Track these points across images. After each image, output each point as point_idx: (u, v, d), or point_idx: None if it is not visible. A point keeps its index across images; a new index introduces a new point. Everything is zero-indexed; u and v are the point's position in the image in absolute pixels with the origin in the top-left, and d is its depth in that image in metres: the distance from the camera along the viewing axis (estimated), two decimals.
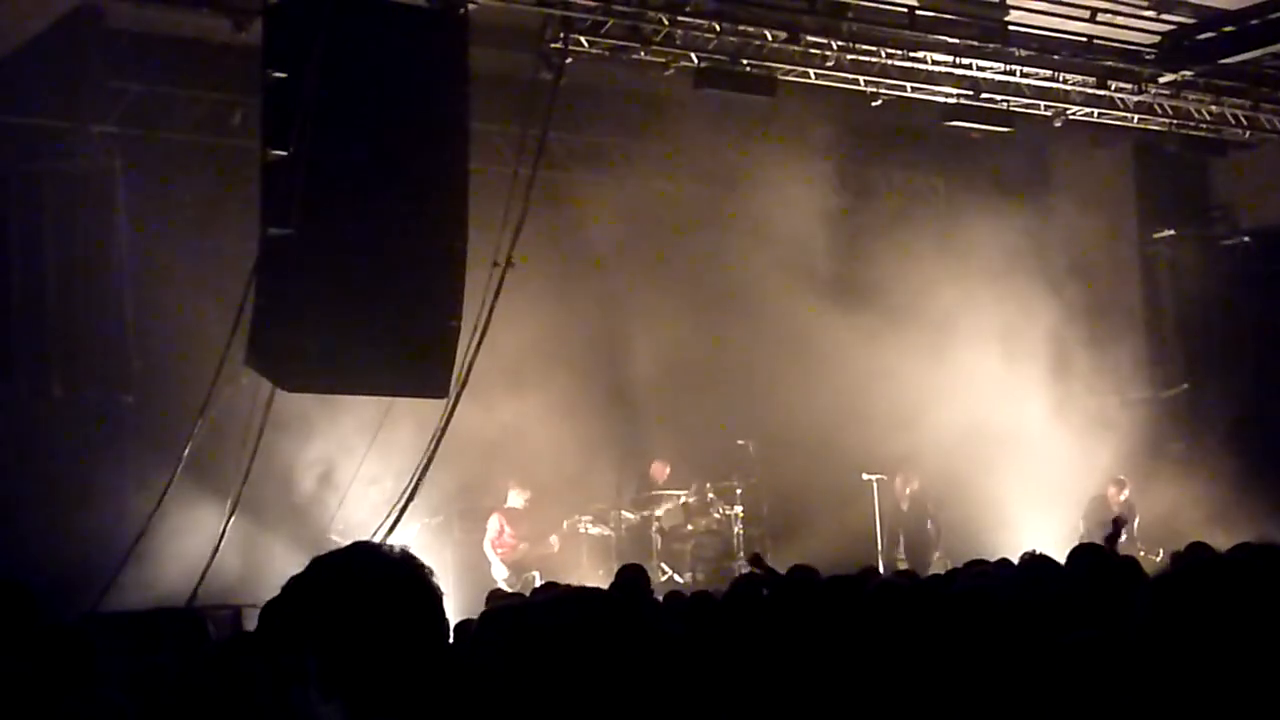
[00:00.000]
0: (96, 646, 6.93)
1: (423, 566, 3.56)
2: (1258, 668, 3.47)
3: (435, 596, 3.56)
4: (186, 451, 15.03)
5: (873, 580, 8.81)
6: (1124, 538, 11.43)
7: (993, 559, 12.67)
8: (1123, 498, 20.62)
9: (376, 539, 14.80)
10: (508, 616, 3.78)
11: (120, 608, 14.12)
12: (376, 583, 3.48)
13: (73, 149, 17.06)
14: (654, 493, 20.22)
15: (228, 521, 14.96)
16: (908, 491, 21.00)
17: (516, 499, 18.97)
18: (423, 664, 3.41)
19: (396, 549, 3.61)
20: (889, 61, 18.01)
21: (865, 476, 20.36)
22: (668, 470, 20.41)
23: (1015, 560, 11.87)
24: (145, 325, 17.18)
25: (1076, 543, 18.11)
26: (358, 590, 3.45)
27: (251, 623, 12.98)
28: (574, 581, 18.19)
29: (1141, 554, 18.32)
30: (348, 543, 3.76)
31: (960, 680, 5.29)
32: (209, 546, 14.89)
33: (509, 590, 16.67)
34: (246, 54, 14.78)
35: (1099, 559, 9.34)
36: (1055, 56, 18.77)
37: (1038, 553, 10.06)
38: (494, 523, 18.92)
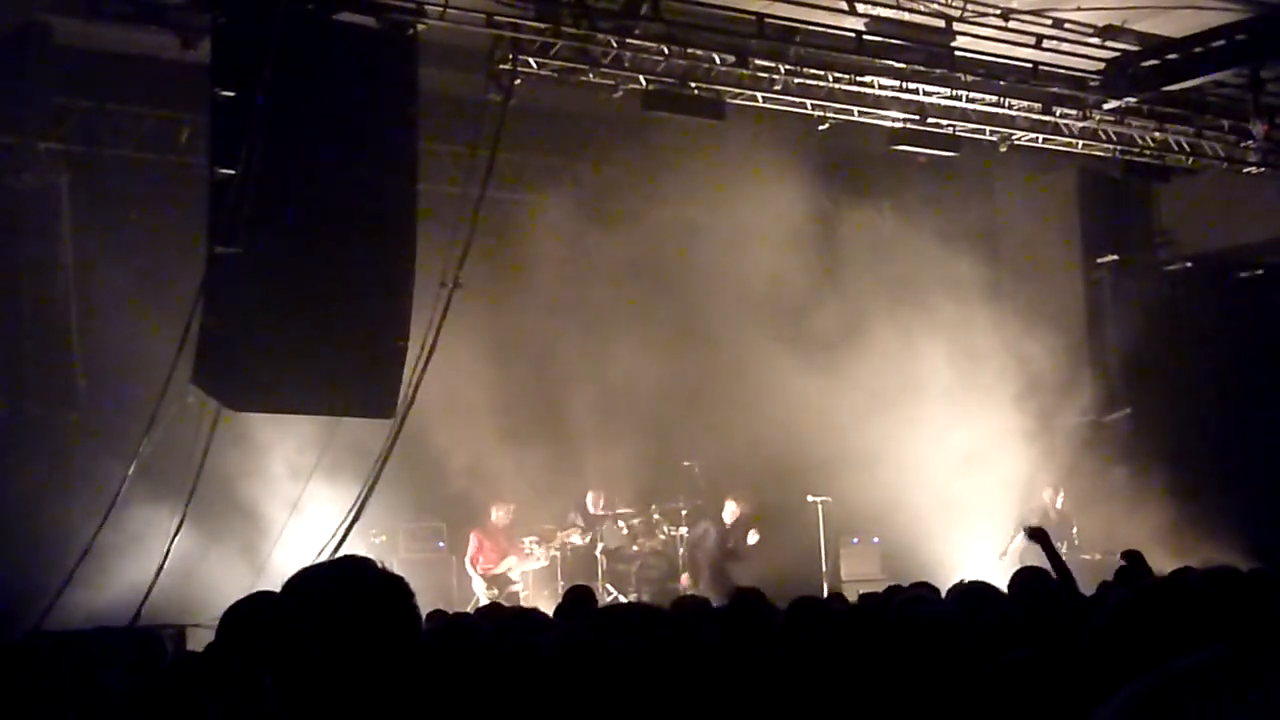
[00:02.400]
0: (42, 666, 6.90)
1: (409, 590, 3.56)
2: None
3: (416, 620, 3.56)
4: (131, 470, 14.96)
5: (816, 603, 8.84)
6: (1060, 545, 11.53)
7: (936, 582, 12.74)
8: (1058, 504, 20.85)
9: (323, 557, 14.80)
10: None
11: (64, 626, 14.02)
12: (367, 600, 3.47)
13: (19, 165, 16.98)
14: (599, 514, 20.31)
15: (172, 540, 14.89)
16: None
17: (497, 515, 19.24)
18: (390, 684, 3.41)
19: (383, 567, 3.60)
20: (836, 86, 18.07)
21: (810, 499, 20.44)
22: (604, 497, 20.47)
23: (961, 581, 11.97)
24: (91, 343, 17.11)
25: (1012, 554, 18.39)
26: (348, 604, 3.44)
27: (196, 642, 12.94)
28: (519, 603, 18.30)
29: (1085, 558, 18.55)
30: (294, 560, 3.76)
31: (898, 703, 5.34)
32: (154, 565, 14.81)
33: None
34: (194, 72, 14.74)
35: (1039, 581, 9.43)
36: (1001, 82, 18.87)
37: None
38: (472, 541, 19.24)
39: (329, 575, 3.58)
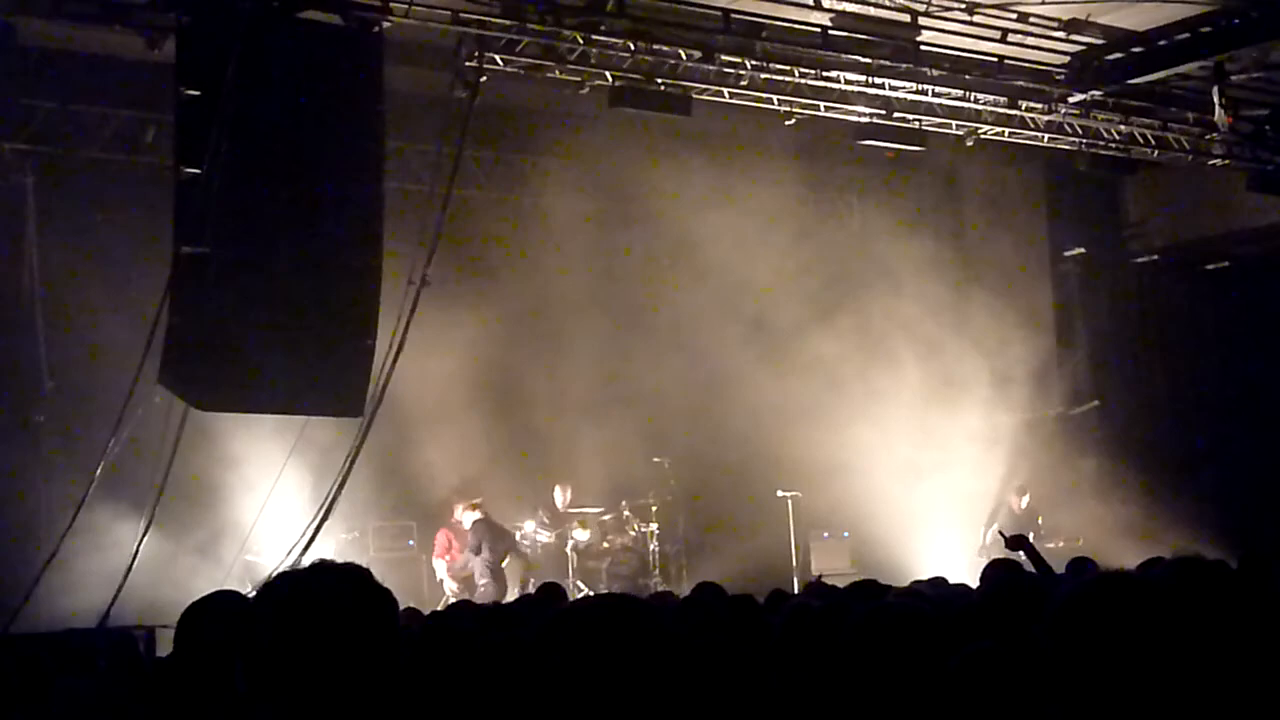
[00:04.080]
0: (11, 669, 6.88)
1: (395, 602, 3.58)
2: (1165, 681, 3.53)
3: (395, 622, 3.58)
4: (99, 471, 14.91)
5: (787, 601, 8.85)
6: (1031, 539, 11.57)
7: (904, 576, 12.80)
8: (1023, 505, 20.89)
9: (292, 557, 14.80)
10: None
11: (33, 629, 13.96)
12: (366, 608, 3.48)
13: None
14: (569, 510, 20.31)
15: (141, 541, 14.84)
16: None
17: (465, 515, 19.21)
18: (369, 681, 3.42)
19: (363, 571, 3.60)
20: (802, 81, 18.07)
21: (780, 494, 20.48)
22: (569, 492, 20.45)
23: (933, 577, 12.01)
24: (57, 344, 17.05)
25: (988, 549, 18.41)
26: (364, 611, 3.45)
27: (166, 643, 12.89)
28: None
29: (1050, 546, 18.63)
30: (258, 560, 3.76)
31: (865, 696, 5.35)
32: (122, 567, 14.76)
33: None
34: (160, 71, 14.68)
35: (1012, 574, 9.44)
36: (967, 76, 18.89)
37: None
38: (440, 538, 19.24)
39: (329, 580, 3.58)
